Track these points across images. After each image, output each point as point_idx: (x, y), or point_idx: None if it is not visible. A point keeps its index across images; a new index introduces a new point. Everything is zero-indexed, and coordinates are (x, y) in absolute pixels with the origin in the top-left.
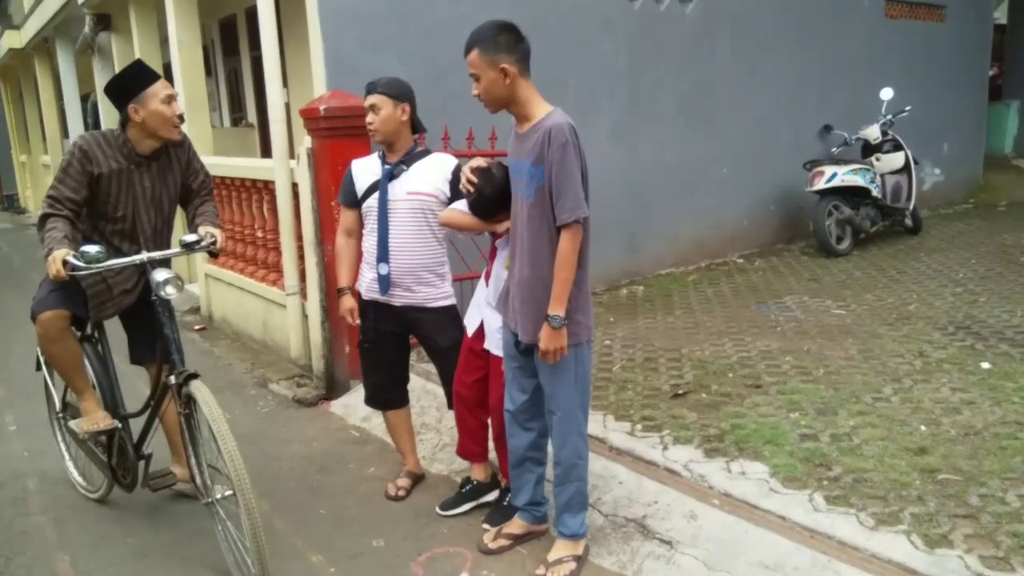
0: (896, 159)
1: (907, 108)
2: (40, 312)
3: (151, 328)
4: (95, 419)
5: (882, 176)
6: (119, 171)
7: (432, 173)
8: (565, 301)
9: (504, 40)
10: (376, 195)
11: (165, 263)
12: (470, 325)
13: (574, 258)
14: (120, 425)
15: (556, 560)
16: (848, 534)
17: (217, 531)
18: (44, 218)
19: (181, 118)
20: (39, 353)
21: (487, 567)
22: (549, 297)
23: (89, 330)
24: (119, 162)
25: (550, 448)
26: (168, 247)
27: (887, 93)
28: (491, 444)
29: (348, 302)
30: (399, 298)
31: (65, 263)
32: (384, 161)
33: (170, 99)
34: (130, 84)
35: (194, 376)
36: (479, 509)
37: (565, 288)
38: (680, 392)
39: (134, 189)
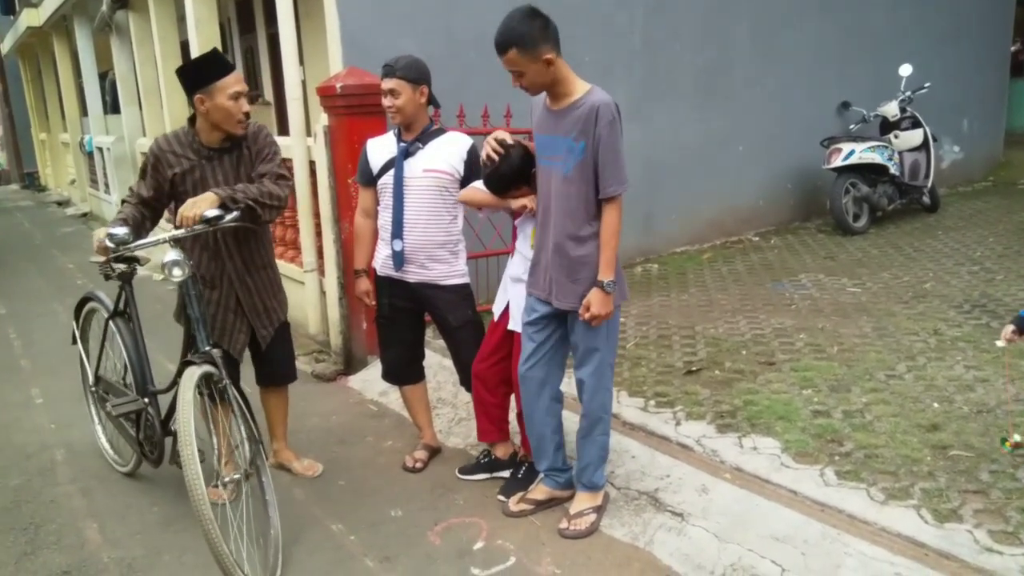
0: (915, 136)
1: (926, 85)
2: None
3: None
4: None
5: (900, 153)
6: (191, 168)
7: (448, 151)
8: (614, 268)
9: (538, 28)
10: (392, 172)
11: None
12: (497, 309)
13: (619, 228)
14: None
15: (578, 513)
16: (858, 508)
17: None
18: (122, 202)
19: (247, 116)
20: (74, 328)
21: (502, 536)
22: (587, 266)
23: (122, 305)
24: (189, 159)
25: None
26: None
27: (906, 69)
28: (513, 420)
29: (363, 284)
30: (413, 275)
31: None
32: (400, 139)
33: (238, 96)
34: (202, 73)
35: (191, 363)
36: (495, 481)
37: (614, 255)
38: (693, 369)
39: (207, 183)
